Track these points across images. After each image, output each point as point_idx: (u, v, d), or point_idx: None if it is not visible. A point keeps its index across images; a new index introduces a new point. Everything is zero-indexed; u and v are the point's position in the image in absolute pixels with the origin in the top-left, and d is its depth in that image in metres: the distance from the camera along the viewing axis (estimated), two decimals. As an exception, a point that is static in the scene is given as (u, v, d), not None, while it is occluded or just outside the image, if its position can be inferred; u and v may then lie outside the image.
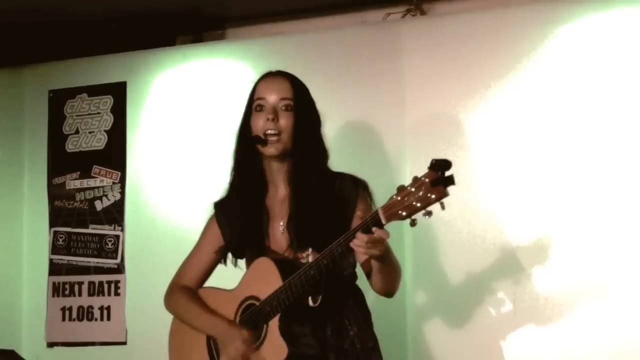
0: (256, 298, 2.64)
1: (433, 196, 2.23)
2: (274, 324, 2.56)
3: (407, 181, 2.26)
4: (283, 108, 2.67)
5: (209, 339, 2.78)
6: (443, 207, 2.25)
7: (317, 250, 2.51)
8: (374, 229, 2.35)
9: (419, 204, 2.25)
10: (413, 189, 2.25)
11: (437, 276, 3.61)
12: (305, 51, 3.90)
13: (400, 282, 2.67)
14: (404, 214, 2.28)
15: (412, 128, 3.70)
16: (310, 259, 2.54)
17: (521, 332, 3.47)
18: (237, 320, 2.69)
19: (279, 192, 2.73)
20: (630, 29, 3.45)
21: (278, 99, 2.68)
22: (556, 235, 3.45)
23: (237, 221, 2.74)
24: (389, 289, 2.65)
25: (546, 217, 3.49)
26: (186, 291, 2.86)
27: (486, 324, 3.52)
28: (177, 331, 2.90)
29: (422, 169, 3.48)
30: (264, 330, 2.60)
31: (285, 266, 2.56)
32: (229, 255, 2.83)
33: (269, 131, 2.66)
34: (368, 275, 2.66)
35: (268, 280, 2.58)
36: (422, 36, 3.78)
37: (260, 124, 2.68)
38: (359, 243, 2.36)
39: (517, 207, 3.54)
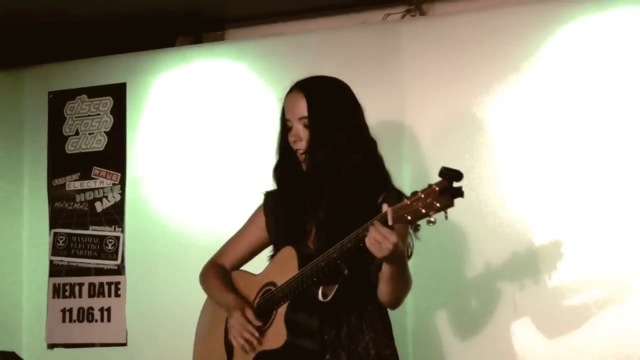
0: (274, 284, 2.70)
1: (438, 204, 2.25)
2: (282, 310, 2.62)
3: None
4: (304, 126, 2.71)
5: (227, 325, 2.83)
6: (446, 217, 2.28)
7: None
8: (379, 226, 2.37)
9: (423, 210, 2.27)
10: (423, 195, 2.28)
11: (437, 278, 3.59)
12: (305, 52, 3.90)
13: (406, 295, 2.66)
14: (409, 217, 2.31)
15: (411, 129, 3.69)
16: None
17: (522, 334, 3.46)
18: (255, 304, 2.77)
19: None
20: (629, 28, 3.44)
21: (297, 119, 2.71)
22: (557, 236, 3.44)
23: (283, 215, 2.81)
24: (392, 296, 2.62)
25: (547, 218, 3.48)
26: (216, 267, 2.96)
27: (487, 325, 3.52)
28: (205, 310, 3.03)
29: (420, 170, 3.46)
30: (272, 315, 2.66)
31: (306, 257, 2.61)
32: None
33: (298, 151, 2.72)
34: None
35: (287, 268, 2.64)
36: (422, 37, 3.77)
37: (291, 143, 2.74)
38: (370, 239, 2.38)
39: (517, 208, 3.52)
